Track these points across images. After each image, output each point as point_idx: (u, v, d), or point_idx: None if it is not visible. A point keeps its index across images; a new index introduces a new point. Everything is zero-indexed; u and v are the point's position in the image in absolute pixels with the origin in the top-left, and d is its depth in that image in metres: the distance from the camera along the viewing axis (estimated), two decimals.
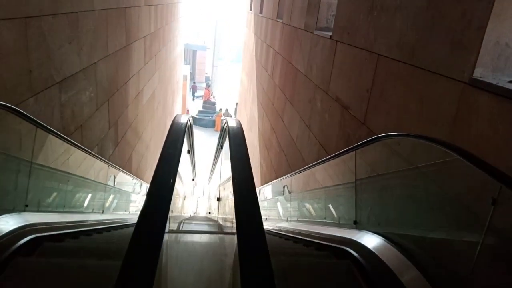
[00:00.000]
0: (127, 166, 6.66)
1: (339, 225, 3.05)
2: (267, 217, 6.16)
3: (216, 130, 23.55)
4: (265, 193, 6.82)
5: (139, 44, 6.65)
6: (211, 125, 24.00)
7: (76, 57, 3.62)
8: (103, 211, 4.26)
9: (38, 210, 2.52)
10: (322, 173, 3.72)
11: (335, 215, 3.22)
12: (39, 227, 2.27)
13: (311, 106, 4.88)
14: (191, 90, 28.10)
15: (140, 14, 6.50)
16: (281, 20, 7.30)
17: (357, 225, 2.64)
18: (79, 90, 3.76)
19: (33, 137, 2.43)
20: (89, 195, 3.85)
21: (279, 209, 5.43)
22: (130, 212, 5.73)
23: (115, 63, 5.12)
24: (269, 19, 8.83)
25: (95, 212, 3.97)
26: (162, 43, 9.94)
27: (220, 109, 24.38)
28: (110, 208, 4.68)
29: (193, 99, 27.69)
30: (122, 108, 5.84)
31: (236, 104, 24.70)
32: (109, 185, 4.43)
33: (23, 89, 2.65)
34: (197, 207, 12.27)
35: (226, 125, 2.42)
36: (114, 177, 4.61)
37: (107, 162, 4.36)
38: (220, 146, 3.05)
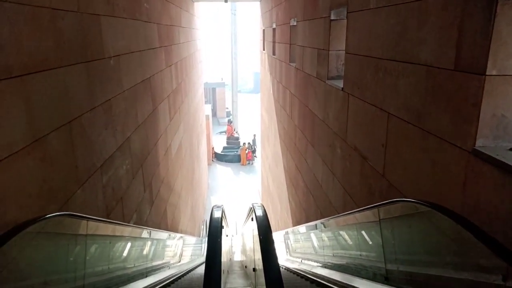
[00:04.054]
0: (163, 220, 6.97)
1: (372, 278, 3.17)
2: (302, 260, 6.27)
3: (242, 164, 23.92)
4: (300, 230, 6.95)
5: (164, 104, 7.10)
6: (236, 159, 24.42)
7: (112, 138, 3.99)
8: (146, 274, 4.52)
9: None
10: (352, 222, 3.86)
11: (368, 268, 3.34)
12: None
13: (332, 151, 5.07)
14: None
15: (162, 77, 6.97)
16: (294, 65, 7.63)
17: (389, 281, 2.78)
18: (117, 168, 4.11)
19: (85, 229, 2.74)
20: (134, 263, 4.12)
21: (314, 244, 5.53)
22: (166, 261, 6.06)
23: (145, 130, 5.52)
24: (283, 62, 9.19)
25: (141, 278, 4.23)
26: (184, 94, 10.46)
27: (244, 143, 24.81)
28: (152, 265, 4.97)
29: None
30: (154, 168, 6.20)
31: (254, 135, 25.15)
32: (149, 251, 4.71)
33: (71, 185, 2.98)
34: (231, 246, 12.52)
35: (254, 216, 2.69)
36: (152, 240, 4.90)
37: (146, 228, 4.65)
38: (251, 219, 3.35)
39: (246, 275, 5.33)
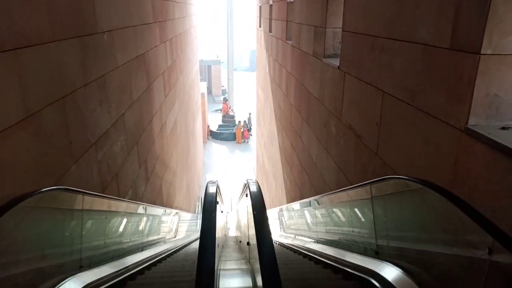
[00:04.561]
0: (158, 197, 7.02)
1: (363, 252, 3.25)
2: (295, 236, 6.39)
3: (238, 142, 23.96)
4: (293, 207, 7.06)
5: (158, 81, 7.04)
6: (231, 138, 24.44)
7: (106, 114, 3.97)
8: (142, 249, 4.59)
9: (90, 267, 2.85)
10: (345, 199, 3.92)
11: (360, 244, 3.42)
12: (95, 283, 2.62)
13: (327, 130, 5.09)
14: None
15: (157, 53, 6.88)
16: (290, 42, 7.55)
17: (379, 255, 2.86)
18: (111, 144, 4.11)
19: (81, 204, 2.76)
20: (130, 238, 4.18)
21: (307, 220, 5.64)
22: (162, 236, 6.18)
23: (140, 107, 5.49)
24: (279, 40, 9.08)
25: (137, 252, 4.30)
26: (179, 72, 10.36)
27: (239, 121, 24.78)
28: (148, 240, 5.06)
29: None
30: (149, 145, 6.21)
31: (250, 114, 25.10)
32: (144, 226, 4.77)
33: (66, 160, 2.99)
34: (226, 222, 12.74)
35: (248, 192, 2.73)
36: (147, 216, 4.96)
37: (141, 203, 4.70)
38: (245, 195, 3.39)
39: (240, 249, 5.44)
